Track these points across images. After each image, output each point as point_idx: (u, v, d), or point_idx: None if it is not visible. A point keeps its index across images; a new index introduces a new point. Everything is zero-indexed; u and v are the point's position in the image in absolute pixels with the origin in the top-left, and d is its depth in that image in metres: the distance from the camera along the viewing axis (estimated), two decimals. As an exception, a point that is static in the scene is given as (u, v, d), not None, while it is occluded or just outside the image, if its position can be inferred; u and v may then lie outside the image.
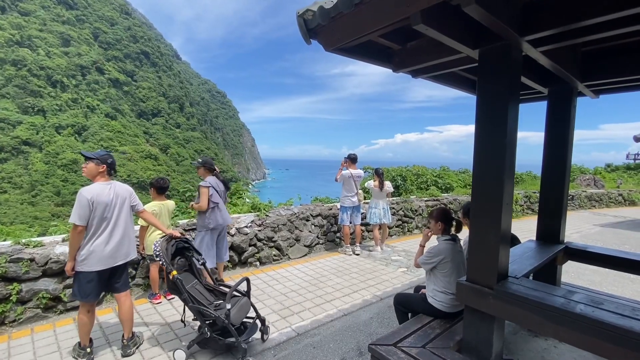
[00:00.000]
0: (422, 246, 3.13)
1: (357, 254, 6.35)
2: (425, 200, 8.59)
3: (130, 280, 3.86)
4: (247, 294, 3.16)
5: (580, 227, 9.88)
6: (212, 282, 3.35)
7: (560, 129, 3.21)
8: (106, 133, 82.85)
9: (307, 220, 6.48)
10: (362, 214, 6.66)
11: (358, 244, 6.48)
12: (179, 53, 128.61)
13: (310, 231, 6.43)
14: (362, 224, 6.81)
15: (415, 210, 8.17)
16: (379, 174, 6.53)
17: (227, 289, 3.20)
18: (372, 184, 6.48)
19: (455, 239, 2.97)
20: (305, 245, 6.25)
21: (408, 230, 8.06)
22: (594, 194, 14.09)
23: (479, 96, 2.19)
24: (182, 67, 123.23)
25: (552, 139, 3.26)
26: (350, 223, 6.44)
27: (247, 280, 3.15)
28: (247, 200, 7.70)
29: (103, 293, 3.72)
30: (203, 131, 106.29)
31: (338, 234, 6.89)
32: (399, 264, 5.85)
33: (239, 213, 6.17)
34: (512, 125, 2.10)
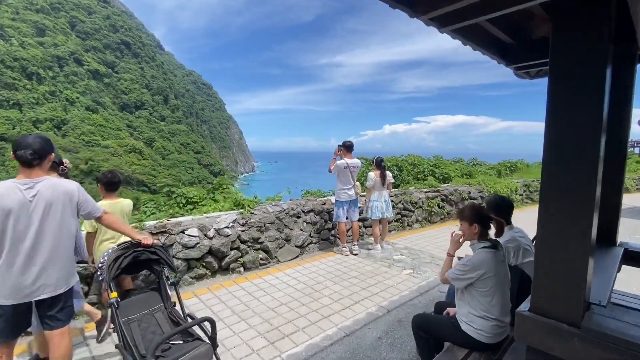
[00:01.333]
0: (451, 255, 2.40)
1: (355, 254, 5.64)
2: (425, 192, 7.93)
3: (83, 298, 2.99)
4: (211, 340, 2.23)
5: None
6: (181, 311, 2.54)
7: (622, 103, 2.51)
8: (87, 127, 79.87)
9: (298, 217, 5.73)
10: (359, 207, 5.94)
11: (356, 243, 5.76)
12: (162, 43, 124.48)
13: (301, 229, 5.68)
14: (359, 220, 6.09)
15: (415, 203, 7.50)
16: (379, 165, 5.80)
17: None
18: (373, 175, 5.74)
19: (497, 246, 2.25)
20: (296, 246, 5.50)
21: (408, 225, 7.39)
22: (590, 181, 13.72)
23: (557, 52, 1.45)
24: (166, 58, 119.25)
25: (612, 116, 2.57)
26: (347, 219, 5.72)
27: (212, 323, 2.20)
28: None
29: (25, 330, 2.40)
30: (189, 124, 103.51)
31: (333, 232, 6.17)
32: (402, 265, 5.16)
33: (220, 211, 5.36)
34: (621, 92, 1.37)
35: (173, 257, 4.22)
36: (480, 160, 15.07)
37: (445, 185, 9.05)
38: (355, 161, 5.63)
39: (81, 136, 78.30)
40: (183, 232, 4.39)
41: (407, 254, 5.70)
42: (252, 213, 5.19)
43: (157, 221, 4.48)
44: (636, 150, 39.10)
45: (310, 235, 5.79)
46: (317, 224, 5.92)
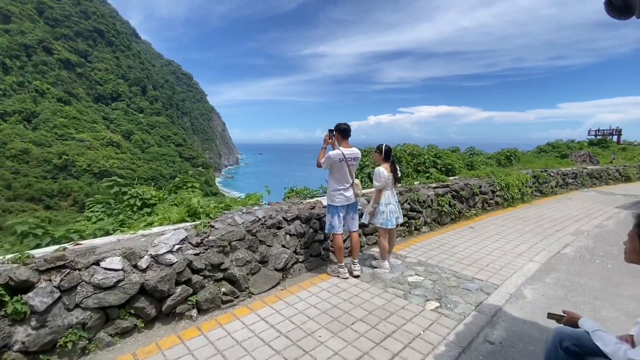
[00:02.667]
0: None
1: (357, 276, 4.15)
2: (434, 188, 6.50)
3: None
4: None
5: (604, 210, 8.26)
6: None
7: None
8: (60, 119, 75.20)
9: (279, 229, 4.18)
10: (359, 210, 4.43)
11: (356, 260, 4.26)
12: (138, 32, 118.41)
13: (284, 245, 4.14)
14: (361, 227, 4.58)
15: (423, 202, 6.06)
16: (388, 155, 4.30)
17: None
18: (384, 171, 4.22)
19: None
20: (276, 269, 3.96)
21: (415, 229, 5.96)
22: (594, 170, 12.73)
23: None
24: (143, 47, 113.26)
25: None
26: (344, 229, 4.22)
27: None
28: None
29: None
30: (169, 115, 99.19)
31: (325, 244, 4.66)
32: (423, 293, 3.70)
33: (164, 224, 3.75)
34: None
35: (77, 306, 2.62)
36: (477, 149, 13.84)
37: (453, 178, 7.66)
38: (354, 151, 4.09)
39: (53, 129, 73.73)
40: (97, 263, 2.77)
41: (424, 273, 4.26)
42: (212, 227, 3.60)
43: (53, 249, 2.83)
44: (614, 138, 39.27)
45: (295, 251, 4.26)
46: (304, 235, 4.39)
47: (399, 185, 5.82)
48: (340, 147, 4.02)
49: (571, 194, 10.56)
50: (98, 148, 75.65)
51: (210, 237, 3.46)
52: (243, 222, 3.85)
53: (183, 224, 3.62)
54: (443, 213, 6.41)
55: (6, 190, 59.93)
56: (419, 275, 4.20)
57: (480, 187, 7.53)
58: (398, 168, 4.29)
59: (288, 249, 4.15)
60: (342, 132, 4.04)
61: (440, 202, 6.36)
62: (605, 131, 42.72)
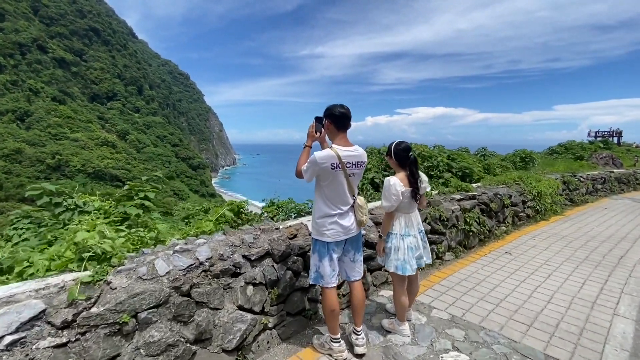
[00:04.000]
0: None
1: (361, 355, 2.53)
2: (458, 200, 4.89)
3: None
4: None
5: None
6: None
7: None
8: (54, 119, 73.15)
9: (236, 276, 2.56)
10: (362, 242, 2.80)
11: (359, 328, 2.60)
12: (135, 31, 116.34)
13: (241, 306, 2.51)
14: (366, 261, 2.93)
15: (447, 220, 4.45)
16: (406, 158, 2.65)
17: None
18: (397, 183, 2.55)
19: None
20: (225, 350, 2.34)
21: (437, 257, 4.35)
22: (622, 175, 11.20)
23: None
24: (139, 47, 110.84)
25: None
26: (340, 277, 2.62)
27: None
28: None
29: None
30: (165, 115, 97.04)
31: (312, 292, 3.04)
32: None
33: (25, 277, 2.11)
34: None
35: None
36: (490, 150, 12.28)
37: (476, 186, 6.06)
38: (356, 152, 2.43)
39: (47, 129, 71.71)
40: None
41: (466, 345, 2.65)
42: (109, 283, 1.99)
43: None
44: (615, 140, 37.92)
45: (263, 311, 2.64)
46: (278, 283, 2.77)
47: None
48: (334, 145, 2.40)
49: (602, 202, 9.02)
50: (93, 148, 73.65)
51: (94, 309, 1.84)
52: (169, 272, 2.23)
53: (46, 282, 1.98)
54: (470, 234, 4.80)
55: (45, 182, 57.87)
56: (459, 350, 2.58)
57: (511, 197, 5.94)
58: (423, 178, 2.67)
59: (250, 310, 2.53)
60: (337, 121, 2.42)
61: (467, 219, 4.76)
62: (605, 133, 41.40)
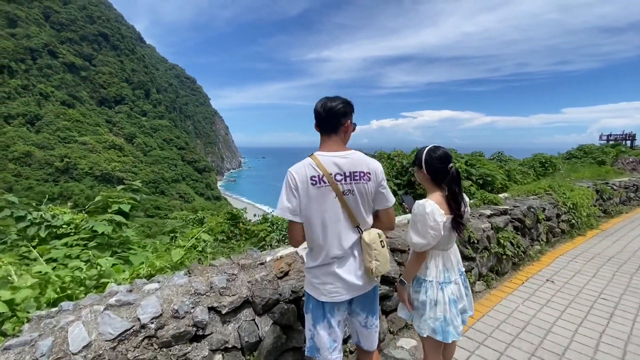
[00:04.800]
0: None
1: None
2: (488, 216, 4.02)
3: None
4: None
5: None
6: None
7: None
8: (63, 122, 73.61)
9: (197, 341, 1.75)
10: (379, 300, 1.93)
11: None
12: (144, 36, 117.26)
13: (200, 390, 1.69)
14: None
15: (477, 242, 3.58)
16: (440, 173, 1.76)
17: None
18: (434, 211, 1.63)
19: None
20: None
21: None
22: (654, 181, 10.16)
23: None
24: (147, 51, 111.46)
25: None
26: (348, 343, 1.78)
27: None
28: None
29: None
30: (172, 119, 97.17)
31: (309, 350, 2.21)
32: None
33: None
34: None
35: None
36: (506, 154, 11.37)
37: (503, 197, 5.18)
38: (349, 157, 1.55)
39: (56, 132, 72.17)
40: None
41: None
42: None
43: None
44: (627, 143, 36.50)
45: (234, 392, 1.82)
46: (259, 346, 1.95)
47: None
48: (320, 153, 1.58)
49: (638, 212, 8.04)
50: (100, 151, 73.90)
51: None
52: (88, 346, 1.43)
53: None
54: (504, 257, 3.93)
55: (7, 193, 58.05)
56: None
57: (544, 210, 5.05)
58: (466, 199, 1.81)
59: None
60: (318, 120, 1.60)
61: (501, 239, 3.89)
62: (618, 136, 39.96)
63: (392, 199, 1.64)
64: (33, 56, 76.58)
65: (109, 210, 4.46)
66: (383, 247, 1.56)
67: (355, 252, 1.60)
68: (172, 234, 5.65)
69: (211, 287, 1.96)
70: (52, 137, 71.39)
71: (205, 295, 1.89)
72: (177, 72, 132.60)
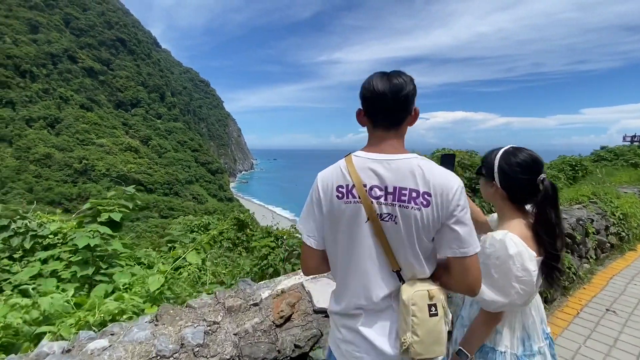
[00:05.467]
0: None
1: None
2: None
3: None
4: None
5: None
6: None
7: None
8: (82, 125, 75.18)
9: None
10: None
11: None
12: (159, 41, 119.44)
13: None
14: None
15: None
16: (525, 186, 1.12)
17: None
18: (525, 254, 1.04)
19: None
20: None
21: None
22: (698, 186, 9.16)
23: None
24: (162, 56, 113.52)
25: None
26: None
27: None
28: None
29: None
30: (186, 121, 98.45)
31: None
32: None
33: None
34: None
35: None
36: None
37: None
38: (397, 163, 0.93)
39: (75, 134, 73.73)
40: None
41: None
42: None
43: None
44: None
45: None
46: None
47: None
48: (360, 152, 0.99)
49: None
50: (117, 153, 75.16)
51: None
52: None
53: None
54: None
55: (28, 194, 59.66)
56: None
57: (593, 221, 4.32)
58: (563, 227, 1.21)
59: None
60: (365, 106, 0.99)
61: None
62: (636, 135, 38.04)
63: (475, 243, 0.94)
64: (54, 61, 78.61)
65: (99, 220, 3.98)
66: (433, 315, 0.92)
67: (393, 307, 1.00)
68: (170, 244, 5.16)
69: (182, 344, 1.39)
70: (71, 139, 73.01)
71: (172, 359, 1.32)
72: (192, 76, 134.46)
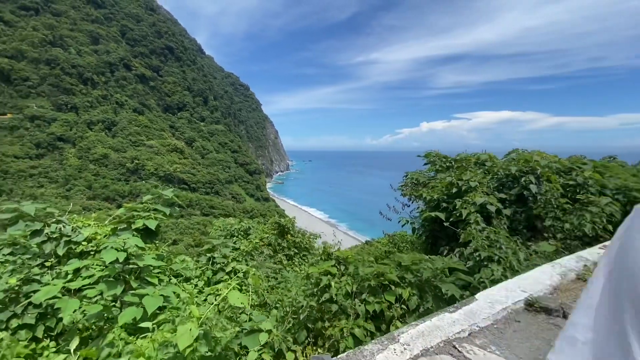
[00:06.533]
0: None
1: None
2: None
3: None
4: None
5: None
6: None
7: None
8: (134, 128, 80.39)
9: None
10: None
11: None
12: (204, 48, 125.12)
13: None
14: None
15: None
16: None
17: None
18: None
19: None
20: None
21: None
22: None
23: None
24: (206, 61, 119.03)
25: None
26: None
27: None
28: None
29: None
30: (227, 124, 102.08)
31: None
32: None
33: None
34: None
35: None
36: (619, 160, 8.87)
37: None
38: None
39: (128, 136, 78.95)
40: None
41: None
42: None
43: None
44: None
45: None
46: None
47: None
48: None
49: None
50: (164, 153, 79.39)
51: None
52: None
53: None
54: None
55: (87, 190, 64.81)
56: None
57: None
58: None
59: None
60: None
61: None
62: None
63: None
64: (111, 69, 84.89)
65: (133, 226, 3.47)
66: None
67: None
68: (209, 254, 4.64)
69: None
70: (125, 140, 78.24)
71: None
72: (232, 80, 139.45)
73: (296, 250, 7.56)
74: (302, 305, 2.21)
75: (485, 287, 2.49)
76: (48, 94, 73.20)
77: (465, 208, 3.78)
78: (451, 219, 4.18)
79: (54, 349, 2.85)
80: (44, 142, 65.96)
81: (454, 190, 4.31)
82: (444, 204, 4.43)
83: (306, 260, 7.78)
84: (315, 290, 2.21)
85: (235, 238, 7.25)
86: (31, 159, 61.37)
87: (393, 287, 2.07)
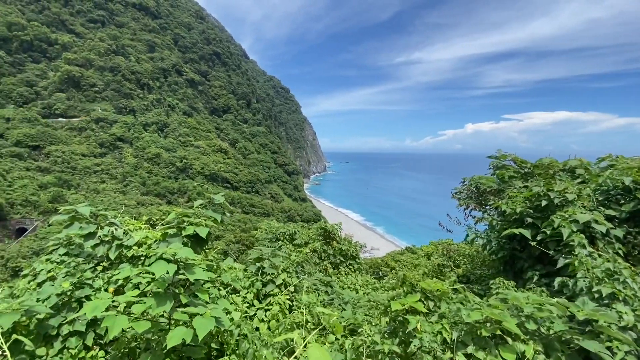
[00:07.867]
0: None
1: None
2: None
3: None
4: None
5: None
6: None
7: None
8: (184, 129, 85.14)
9: None
10: None
11: None
12: (248, 53, 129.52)
13: None
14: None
15: None
16: None
17: None
18: None
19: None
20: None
21: None
22: None
23: None
24: (250, 66, 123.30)
25: None
26: None
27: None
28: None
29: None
30: (267, 126, 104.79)
31: None
32: None
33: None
34: None
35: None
36: None
37: None
38: None
39: (178, 137, 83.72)
40: None
41: None
42: None
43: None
44: None
45: None
46: None
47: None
48: None
49: None
50: (210, 154, 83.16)
51: None
52: None
53: None
54: None
55: (142, 186, 69.65)
56: None
57: None
58: None
59: None
60: None
61: None
62: None
63: None
64: (165, 75, 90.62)
65: (183, 233, 3.22)
66: None
67: None
68: (258, 263, 4.34)
69: None
70: (175, 141, 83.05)
71: None
72: (274, 83, 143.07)
73: (342, 259, 7.11)
74: (381, 351, 1.73)
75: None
76: (111, 98, 79.86)
77: (565, 227, 3.05)
78: (539, 238, 3.46)
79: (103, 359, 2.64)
80: (106, 142, 71.90)
81: (543, 202, 3.57)
82: (529, 219, 3.70)
83: (352, 269, 7.32)
84: (399, 333, 1.72)
85: (280, 242, 6.97)
86: (95, 157, 67.08)
87: (510, 341, 1.53)
